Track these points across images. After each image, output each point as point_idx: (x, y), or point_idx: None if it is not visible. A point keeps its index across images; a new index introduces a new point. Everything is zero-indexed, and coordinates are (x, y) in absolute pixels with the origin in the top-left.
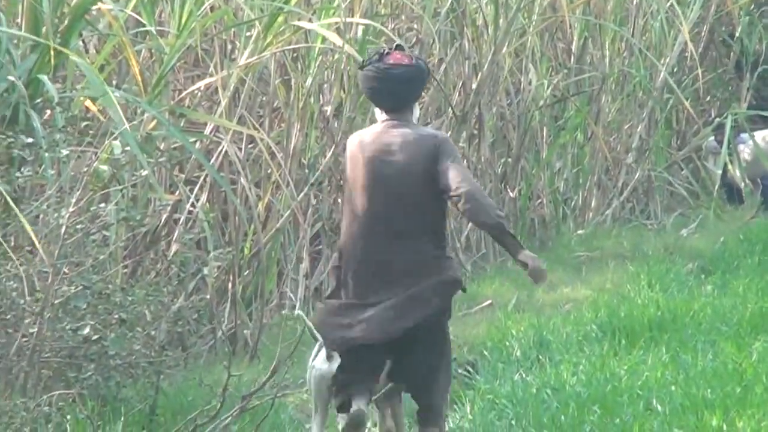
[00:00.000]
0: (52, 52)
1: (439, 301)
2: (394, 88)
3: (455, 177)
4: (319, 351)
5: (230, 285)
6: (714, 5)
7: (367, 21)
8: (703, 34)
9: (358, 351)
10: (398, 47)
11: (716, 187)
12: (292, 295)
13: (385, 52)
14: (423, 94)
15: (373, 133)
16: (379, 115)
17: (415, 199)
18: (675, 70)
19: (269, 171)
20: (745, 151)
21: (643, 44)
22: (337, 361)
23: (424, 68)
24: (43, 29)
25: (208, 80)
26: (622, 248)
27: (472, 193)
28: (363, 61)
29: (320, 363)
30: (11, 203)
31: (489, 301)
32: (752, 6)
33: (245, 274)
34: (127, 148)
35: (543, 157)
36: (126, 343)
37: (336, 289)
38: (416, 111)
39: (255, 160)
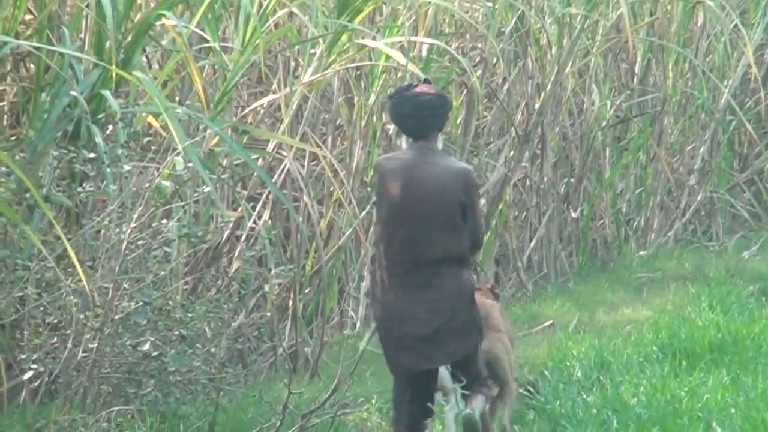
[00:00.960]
0: (113, 69)
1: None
2: (421, 114)
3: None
4: None
5: (291, 302)
6: None
7: (431, 40)
8: (766, 56)
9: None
10: (425, 81)
11: None
12: (353, 313)
13: (413, 84)
14: (486, 114)
15: (404, 160)
16: (406, 142)
17: (440, 226)
18: (738, 92)
19: (331, 189)
20: None
21: (706, 66)
22: None
23: (447, 99)
24: (107, 44)
25: (271, 97)
26: (684, 270)
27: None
28: (392, 93)
29: None
30: (55, 224)
31: (550, 321)
32: None
33: (306, 291)
34: (190, 165)
35: (605, 178)
36: (186, 360)
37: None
38: (440, 142)
39: (317, 178)
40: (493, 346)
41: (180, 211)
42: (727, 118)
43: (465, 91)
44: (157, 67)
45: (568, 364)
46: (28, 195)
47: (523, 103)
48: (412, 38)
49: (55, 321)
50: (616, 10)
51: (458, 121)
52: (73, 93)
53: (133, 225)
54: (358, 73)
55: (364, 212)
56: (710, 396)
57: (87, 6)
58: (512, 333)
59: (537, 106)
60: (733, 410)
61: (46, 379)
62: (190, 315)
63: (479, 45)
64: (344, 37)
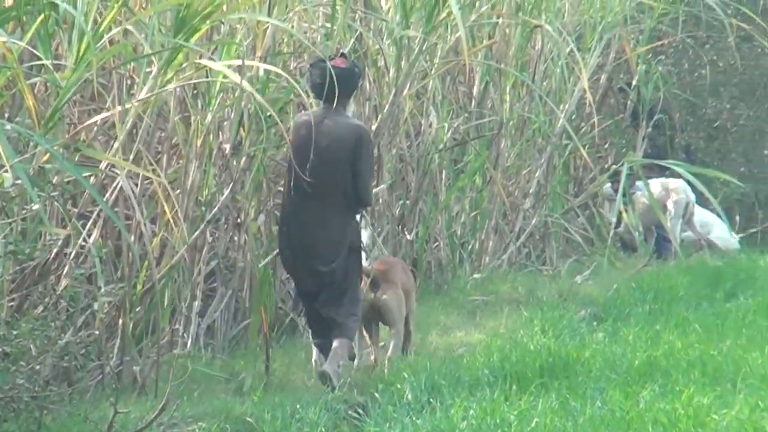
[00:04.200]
0: None
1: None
2: (331, 84)
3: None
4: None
5: (120, 321)
6: (613, 53)
7: (267, 66)
8: (601, 81)
9: None
10: (341, 54)
11: (610, 234)
12: (184, 332)
13: (331, 57)
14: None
15: (313, 116)
16: (320, 104)
17: (338, 175)
18: (573, 116)
19: (166, 207)
20: (641, 200)
21: (543, 90)
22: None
23: (356, 72)
24: None
25: (104, 114)
26: (517, 293)
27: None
28: (311, 63)
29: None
30: None
31: (383, 343)
32: (649, 54)
33: (137, 310)
34: (18, 181)
35: (441, 200)
36: (9, 377)
37: None
38: (351, 105)
39: (151, 196)
40: (388, 296)
41: (7, 228)
42: (562, 143)
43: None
44: None
45: (399, 386)
46: None
47: None
48: (248, 62)
49: None
50: (455, 33)
51: None
52: None
53: None
54: (195, 92)
55: (197, 231)
56: (539, 420)
57: None
58: (411, 285)
59: (374, 127)
60: None
61: None
62: (14, 332)
63: None
64: (181, 56)
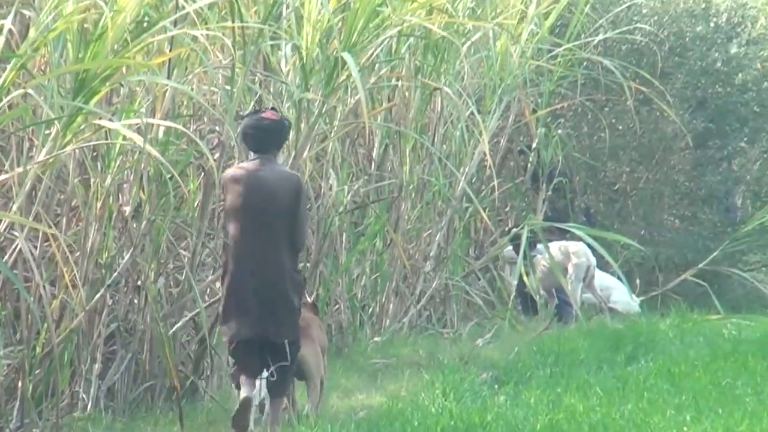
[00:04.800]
0: None
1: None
2: (260, 134)
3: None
4: None
5: (20, 383)
6: (513, 115)
7: (168, 123)
8: (501, 144)
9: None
10: (272, 108)
11: (512, 297)
12: (84, 395)
13: (261, 110)
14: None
15: (246, 168)
16: (251, 155)
17: (284, 222)
18: (474, 179)
19: (65, 270)
20: (541, 263)
21: (443, 152)
22: None
23: (285, 125)
24: None
25: (3, 177)
26: (418, 356)
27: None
28: (242, 115)
29: None
30: None
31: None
32: (549, 117)
33: (36, 372)
34: None
35: (342, 263)
36: None
37: None
38: (280, 157)
39: (51, 259)
40: (306, 352)
41: None
42: (463, 205)
43: (202, 175)
44: None
45: None
46: None
47: None
48: (149, 120)
49: None
50: (354, 95)
51: (195, 205)
52: None
53: None
54: (95, 153)
55: (98, 295)
56: None
57: None
58: (325, 342)
59: None
60: None
61: None
62: None
63: (217, 128)
64: (80, 118)
